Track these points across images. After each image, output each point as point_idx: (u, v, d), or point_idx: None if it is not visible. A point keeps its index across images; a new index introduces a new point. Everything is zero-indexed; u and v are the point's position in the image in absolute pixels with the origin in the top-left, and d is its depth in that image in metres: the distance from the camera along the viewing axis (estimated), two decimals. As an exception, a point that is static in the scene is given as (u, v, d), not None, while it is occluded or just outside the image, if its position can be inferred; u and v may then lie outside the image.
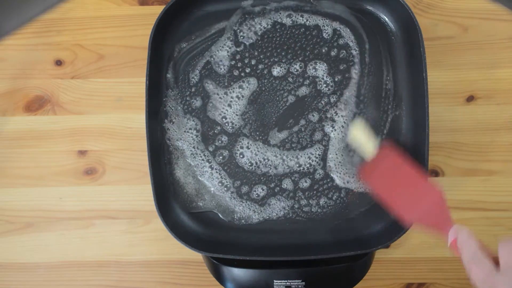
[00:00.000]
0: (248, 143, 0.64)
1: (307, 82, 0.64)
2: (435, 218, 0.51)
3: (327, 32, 0.65)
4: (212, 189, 0.64)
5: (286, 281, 0.59)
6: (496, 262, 0.44)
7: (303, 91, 0.64)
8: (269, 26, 0.65)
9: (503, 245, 0.43)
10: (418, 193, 0.53)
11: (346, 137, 0.63)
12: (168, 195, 0.63)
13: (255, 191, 0.63)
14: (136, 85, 0.68)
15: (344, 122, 0.64)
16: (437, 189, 0.52)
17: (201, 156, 0.64)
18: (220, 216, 0.64)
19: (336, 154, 0.63)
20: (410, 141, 0.63)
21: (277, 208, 0.63)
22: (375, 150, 0.58)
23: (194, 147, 0.64)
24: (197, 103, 0.64)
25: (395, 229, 0.59)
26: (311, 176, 0.63)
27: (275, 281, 0.59)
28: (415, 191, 0.54)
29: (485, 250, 0.45)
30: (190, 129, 0.64)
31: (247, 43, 0.65)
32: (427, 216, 0.51)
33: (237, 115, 0.64)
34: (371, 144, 0.58)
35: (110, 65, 0.69)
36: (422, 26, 0.61)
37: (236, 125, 0.64)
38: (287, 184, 0.63)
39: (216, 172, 0.64)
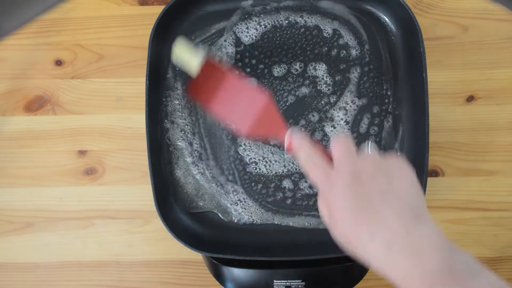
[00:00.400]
0: (248, 143, 0.64)
1: (307, 82, 0.64)
2: (268, 124, 0.50)
3: (327, 32, 0.65)
4: (212, 189, 0.64)
5: (286, 281, 0.59)
6: (331, 159, 0.44)
7: (303, 91, 0.64)
8: (269, 26, 0.65)
9: (336, 141, 0.44)
10: (247, 102, 0.52)
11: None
12: (168, 195, 0.63)
13: (255, 191, 0.63)
14: (136, 85, 0.68)
15: (345, 122, 0.64)
16: (264, 94, 0.52)
17: (201, 156, 0.64)
18: (220, 216, 0.64)
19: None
20: (410, 141, 0.63)
21: (277, 207, 0.63)
22: (199, 65, 0.55)
23: (194, 147, 0.64)
24: (197, 103, 0.64)
25: (395, 229, 0.59)
26: (311, 176, 0.63)
27: (275, 281, 0.59)
28: (244, 100, 0.52)
29: (320, 150, 0.45)
30: (191, 129, 0.64)
31: (247, 43, 0.65)
32: (261, 123, 0.51)
33: (237, 115, 0.64)
34: (195, 60, 0.55)
35: (110, 65, 0.69)
36: (422, 26, 0.61)
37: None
38: (287, 184, 0.63)
39: (216, 172, 0.64)
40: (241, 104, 0.53)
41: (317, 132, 0.64)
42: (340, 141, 0.44)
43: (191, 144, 0.64)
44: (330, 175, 0.42)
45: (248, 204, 0.63)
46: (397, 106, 0.64)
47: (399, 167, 0.42)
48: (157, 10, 0.65)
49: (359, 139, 0.63)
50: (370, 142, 0.44)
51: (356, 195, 0.40)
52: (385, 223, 0.39)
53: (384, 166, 0.42)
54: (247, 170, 0.64)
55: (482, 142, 0.67)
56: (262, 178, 0.64)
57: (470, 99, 0.68)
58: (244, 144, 0.64)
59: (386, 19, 0.65)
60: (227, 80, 0.54)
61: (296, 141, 0.46)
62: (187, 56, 0.56)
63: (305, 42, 0.65)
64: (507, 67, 0.68)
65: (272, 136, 0.50)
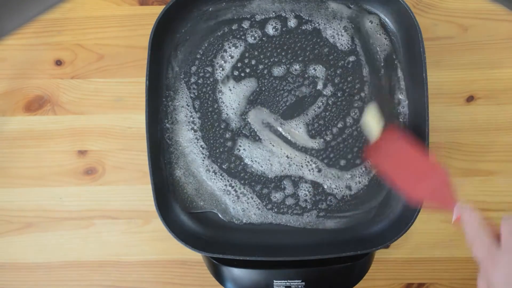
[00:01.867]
0: (248, 143, 0.64)
1: (307, 82, 0.64)
2: (440, 196, 0.52)
3: (327, 33, 0.65)
4: (212, 189, 0.64)
5: (286, 281, 0.59)
6: (499, 239, 0.44)
7: (303, 91, 0.64)
8: (270, 26, 0.65)
9: (506, 221, 0.44)
10: (423, 172, 0.55)
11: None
12: (168, 195, 0.63)
13: (255, 191, 0.63)
14: (136, 85, 0.68)
15: (344, 123, 0.64)
16: (441, 168, 0.54)
17: (201, 156, 0.64)
18: (220, 216, 0.64)
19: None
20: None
21: (277, 208, 0.63)
22: (380, 132, 0.60)
23: (194, 147, 0.64)
24: (197, 103, 0.64)
25: (395, 229, 0.59)
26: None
27: (275, 281, 0.59)
28: (420, 170, 0.55)
29: (488, 227, 0.45)
30: (190, 129, 0.64)
31: (247, 43, 0.65)
32: (433, 194, 0.53)
33: (237, 115, 0.64)
34: (379, 127, 0.60)
35: (110, 65, 0.69)
36: (422, 26, 0.61)
37: (236, 125, 0.64)
38: (287, 184, 0.63)
39: (216, 172, 0.64)
40: (416, 172, 0.56)
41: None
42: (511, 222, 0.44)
43: (190, 144, 0.64)
44: (495, 253, 0.43)
45: (248, 204, 0.63)
46: (397, 106, 0.64)
47: None
48: (157, 10, 0.65)
49: (360, 139, 0.63)
50: None
51: None
52: None
53: None
54: (247, 170, 0.64)
55: (482, 142, 0.67)
56: (262, 178, 0.64)
57: (470, 99, 0.68)
58: (244, 145, 0.64)
59: (386, 19, 0.65)
60: (405, 149, 0.58)
61: (466, 215, 0.47)
62: (374, 122, 0.61)
63: (305, 42, 0.65)
64: (507, 67, 0.68)
65: (441, 206, 0.51)
